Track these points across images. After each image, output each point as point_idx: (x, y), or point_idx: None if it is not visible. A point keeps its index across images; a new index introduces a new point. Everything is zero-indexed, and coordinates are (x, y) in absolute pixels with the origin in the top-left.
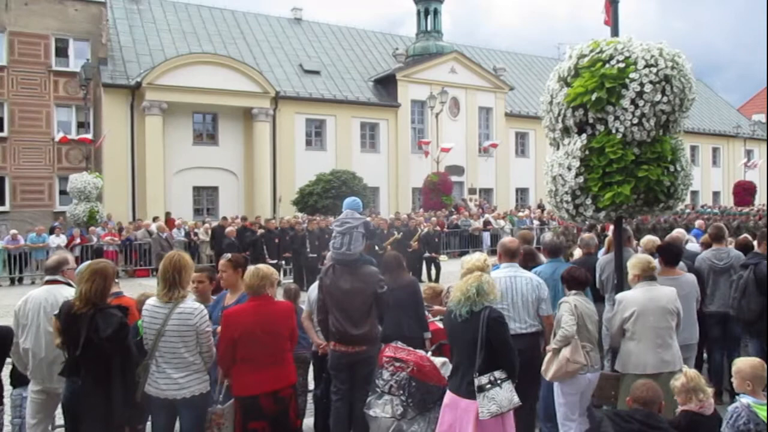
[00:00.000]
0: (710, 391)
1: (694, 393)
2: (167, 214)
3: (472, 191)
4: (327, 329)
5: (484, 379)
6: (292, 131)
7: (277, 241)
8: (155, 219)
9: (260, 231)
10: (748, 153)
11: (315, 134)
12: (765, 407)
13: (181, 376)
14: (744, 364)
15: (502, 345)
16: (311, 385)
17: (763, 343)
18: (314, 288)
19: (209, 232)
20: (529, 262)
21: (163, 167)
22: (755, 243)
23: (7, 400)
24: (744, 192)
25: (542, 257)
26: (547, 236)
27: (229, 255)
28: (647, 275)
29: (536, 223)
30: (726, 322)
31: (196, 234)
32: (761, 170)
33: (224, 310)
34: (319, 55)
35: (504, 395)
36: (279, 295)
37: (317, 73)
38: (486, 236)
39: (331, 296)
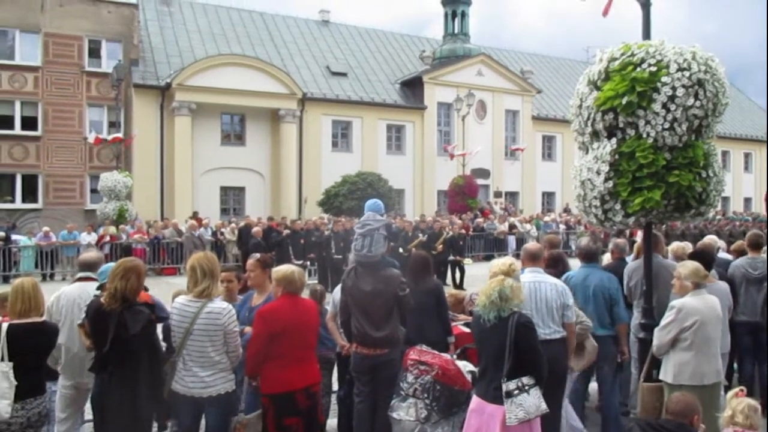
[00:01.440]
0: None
1: (746, 417)
2: (194, 213)
3: (497, 194)
4: (349, 331)
5: (511, 385)
6: (319, 133)
7: (302, 241)
8: (194, 214)
9: (286, 231)
10: None
11: (341, 136)
12: None
13: (208, 374)
14: None
15: (531, 351)
16: (335, 386)
17: None
18: (339, 289)
19: (236, 231)
20: (555, 266)
21: (191, 167)
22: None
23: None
24: None
25: (569, 262)
26: (584, 241)
27: (257, 255)
28: (701, 283)
29: (562, 227)
30: (757, 332)
31: (222, 233)
32: None
33: (260, 308)
34: (346, 57)
35: (532, 401)
36: (305, 296)
37: (344, 74)
38: (511, 240)
39: (353, 298)
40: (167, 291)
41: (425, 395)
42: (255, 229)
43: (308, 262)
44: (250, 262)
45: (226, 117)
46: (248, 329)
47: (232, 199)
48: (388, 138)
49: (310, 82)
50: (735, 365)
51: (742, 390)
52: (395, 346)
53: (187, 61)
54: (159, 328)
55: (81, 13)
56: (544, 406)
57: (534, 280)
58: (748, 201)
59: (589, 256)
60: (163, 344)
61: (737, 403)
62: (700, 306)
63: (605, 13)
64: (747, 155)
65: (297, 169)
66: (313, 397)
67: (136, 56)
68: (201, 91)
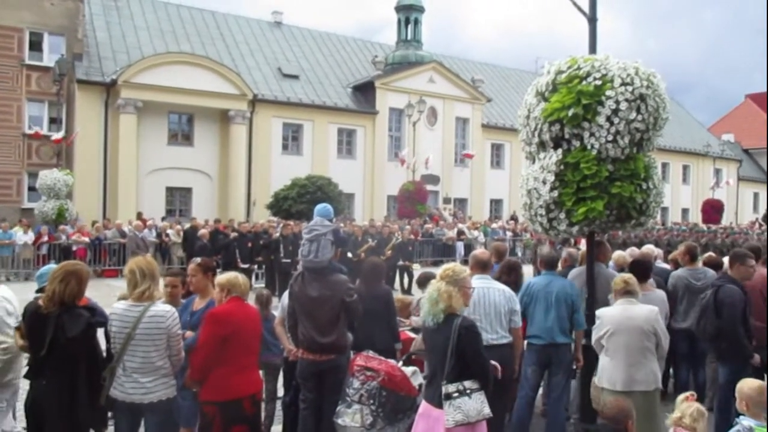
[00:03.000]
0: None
1: (693, 420)
2: (139, 214)
3: (447, 201)
4: (296, 336)
5: (451, 388)
6: (269, 135)
7: (250, 245)
8: (139, 215)
9: (233, 234)
10: (717, 172)
11: (292, 138)
12: (766, 429)
13: (149, 380)
14: (747, 386)
15: (474, 355)
16: (281, 392)
17: (731, 366)
18: (287, 295)
19: (181, 233)
20: (509, 274)
21: (136, 166)
22: (725, 261)
23: None
24: (712, 210)
25: (523, 270)
26: (545, 249)
27: (198, 259)
28: (626, 293)
29: (509, 234)
30: (694, 339)
31: (167, 235)
32: (729, 189)
33: (210, 310)
34: (298, 60)
35: (473, 405)
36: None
37: (296, 77)
38: (459, 246)
39: (300, 303)
40: (107, 294)
41: (371, 401)
42: (201, 232)
43: (256, 266)
44: (191, 266)
45: (174, 116)
46: (189, 334)
47: (178, 200)
48: (339, 142)
49: (261, 84)
50: (671, 370)
51: (692, 394)
52: (342, 352)
53: (134, 58)
54: (100, 332)
55: (22, 4)
56: (486, 410)
57: (482, 285)
58: (685, 211)
59: (551, 264)
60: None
61: (687, 406)
62: (616, 315)
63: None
64: (685, 167)
65: (246, 171)
66: (258, 405)
67: (80, 51)
68: (148, 89)
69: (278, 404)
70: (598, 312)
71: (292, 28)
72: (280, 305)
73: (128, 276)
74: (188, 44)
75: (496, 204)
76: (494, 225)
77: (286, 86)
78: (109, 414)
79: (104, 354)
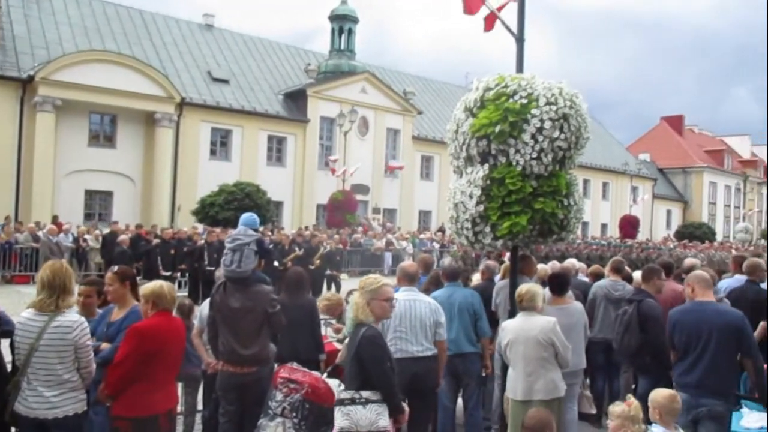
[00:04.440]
0: (644, 428)
1: (630, 422)
2: (54, 217)
3: (376, 211)
4: (217, 348)
5: (345, 394)
6: (197, 139)
7: (173, 252)
8: (54, 219)
9: (155, 241)
10: (634, 189)
11: (220, 144)
12: None
13: (54, 394)
14: (658, 395)
15: (374, 365)
16: (200, 405)
17: (651, 378)
18: (206, 304)
19: (99, 239)
20: (438, 285)
21: (53, 168)
22: (636, 276)
23: None
24: (629, 225)
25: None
26: (447, 260)
27: (116, 267)
28: (524, 306)
29: (437, 246)
30: (609, 350)
31: (85, 240)
32: (644, 205)
33: (135, 324)
34: (229, 64)
35: (365, 415)
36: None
37: (226, 81)
38: (387, 256)
39: (221, 314)
40: (17, 301)
41: (294, 414)
42: (121, 237)
43: (178, 274)
44: (108, 275)
45: (96, 117)
46: (105, 345)
47: (98, 204)
48: (269, 149)
49: (190, 87)
50: (587, 381)
51: (629, 398)
52: (264, 364)
53: (54, 54)
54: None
55: None
56: (382, 423)
57: (408, 298)
58: (604, 226)
59: (452, 275)
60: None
61: (616, 405)
62: (515, 327)
63: (489, 27)
64: (605, 184)
65: (171, 175)
66: (173, 420)
67: None
68: (68, 87)
69: (198, 418)
70: (502, 324)
71: (224, 32)
72: (198, 315)
73: (38, 283)
74: (114, 43)
75: (424, 215)
76: (422, 236)
77: (215, 90)
78: (13, 430)
79: (9, 366)
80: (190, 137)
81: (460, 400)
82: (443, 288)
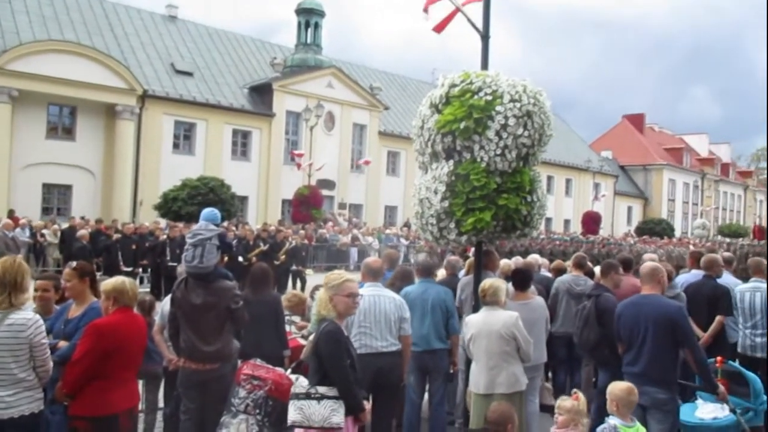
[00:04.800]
0: (587, 421)
1: (579, 416)
2: (10, 211)
3: (342, 206)
4: (178, 344)
5: (300, 388)
6: (160, 132)
7: (134, 247)
8: (10, 213)
9: (116, 236)
10: (596, 186)
11: (184, 137)
12: (631, 429)
13: (9, 393)
14: (615, 387)
15: (330, 360)
16: (161, 403)
17: (611, 371)
18: (168, 300)
19: (58, 233)
20: (403, 280)
21: (8, 160)
22: (597, 272)
23: None
24: (591, 221)
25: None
26: (421, 256)
27: (74, 263)
28: (487, 301)
29: (403, 241)
30: (571, 344)
31: (43, 235)
32: (606, 202)
33: (94, 321)
34: (193, 56)
35: (318, 410)
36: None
37: (190, 74)
38: (353, 252)
39: (182, 311)
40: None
41: (257, 411)
42: (80, 232)
43: (140, 270)
44: (66, 271)
45: (54, 108)
46: (63, 343)
47: (56, 197)
48: (234, 143)
49: (153, 79)
50: (550, 374)
51: (575, 392)
52: (226, 361)
53: (10, 44)
54: None
55: None
56: (335, 420)
57: (373, 293)
58: (567, 222)
59: (427, 271)
60: None
61: (564, 399)
62: (478, 321)
63: (439, 29)
64: (568, 181)
65: (133, 169)
66: (134, 419)
67: None
68: (25, 78)
69: (159, 415)
70: (465, 318)
71: (188, 23)
72: (160, 312)
73: None
74: (73, 32)
75: (390, 211)
76: (388, 231)
77: (179, 83)
78: None
79: None
80: (152, 130)
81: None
82: (417, 284)
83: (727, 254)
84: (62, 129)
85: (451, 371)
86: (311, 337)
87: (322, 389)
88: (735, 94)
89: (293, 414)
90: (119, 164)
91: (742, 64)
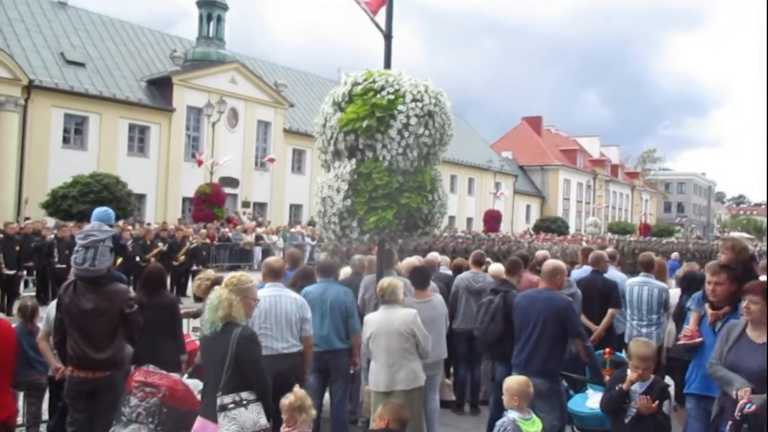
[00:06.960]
0: (314, 414)
1: (298, 412)
2: None
3: (246, 204)
4: (65, 352)
5: (227, 399)
6: (48, 126)
7: (18, 248)
8: None
9: None
10: (497, 185)
11: (75, 131)
12: (529, 422)
13: None
14: (513, 381)
15: (251, 364)
16: (45, 416)
17: (508, 366)
18: (53, 306)
19: None
20: (305, 281)
21: None
22: (497, 268)
23: None
24: (492, 219)
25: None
26: (322, 256)
27: None
28: (385, 299)
29: (309, 240)
30: (471, 339)
31: None
32: (506, 201)
33: None
34: (86, 46)
35: (249, 416)
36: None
37: (82, 65)
38: (257, 251)
39: (70, 316)
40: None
41: (150, 419)
42: None
43: (25, 272)
44: None
45: None
46: None
47: None
48: (130, 138)
49: (40, 69)
50: (451, 369)
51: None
52: (118, 368)
53: None
54: None
55: None
56: (263, 421)
57: (274, 294)
58: (470, 220)
59: (327, 271)
60: None
61: (286, 397)
62: (376, 319)
63: (374, 11)
64: (470, 180)
65: (17, 165)
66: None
67: None
68: None
69: (43, 428)
70: (365, 317)
71: (79, 11)
72: (45, 317)
73: None
74: None
75: (296, 209)
76: (293, 230)
77: (69, 74)
78: None
79: None
80: (39, 123)
81: (327, 395)
82: (316, 283)
83: (611, 250)
84: None
85: (352, 371)
86: (205, 340)
87: (244, 395)
88: (623, 98)
89: (228, 426)
90: (2, 159)
91: (631, 71)
